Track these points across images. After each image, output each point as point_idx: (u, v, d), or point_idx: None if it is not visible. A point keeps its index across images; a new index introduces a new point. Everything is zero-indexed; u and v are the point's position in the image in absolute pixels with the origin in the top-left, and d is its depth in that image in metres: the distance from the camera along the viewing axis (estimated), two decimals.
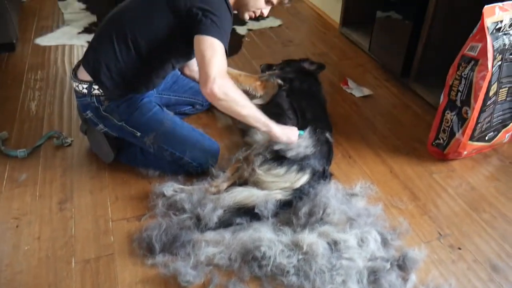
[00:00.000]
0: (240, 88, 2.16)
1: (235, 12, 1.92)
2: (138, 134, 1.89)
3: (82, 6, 3.94)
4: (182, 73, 2.31)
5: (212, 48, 1.62)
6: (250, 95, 2.24)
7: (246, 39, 3.43)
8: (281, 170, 1.84)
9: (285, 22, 3.76)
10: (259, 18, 3.74)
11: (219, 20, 1.67)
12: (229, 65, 2.48)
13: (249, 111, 1.75)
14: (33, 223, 1.78)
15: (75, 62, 1.96)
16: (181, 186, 1.87)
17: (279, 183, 1.84)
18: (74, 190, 1.94)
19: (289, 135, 1.86)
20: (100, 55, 1.81)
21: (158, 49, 1.80)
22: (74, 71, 1.89)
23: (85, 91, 1.84)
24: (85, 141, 2.18)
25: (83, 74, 1.84)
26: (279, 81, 2.24)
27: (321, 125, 2.08)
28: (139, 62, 1.81)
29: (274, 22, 3.74)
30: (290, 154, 1.84)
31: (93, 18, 3.60)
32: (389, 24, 2.87)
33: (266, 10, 1.96)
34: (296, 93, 2.23)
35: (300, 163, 1.85)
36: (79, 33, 3.40)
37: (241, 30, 3.55)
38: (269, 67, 2.58)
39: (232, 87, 1.67)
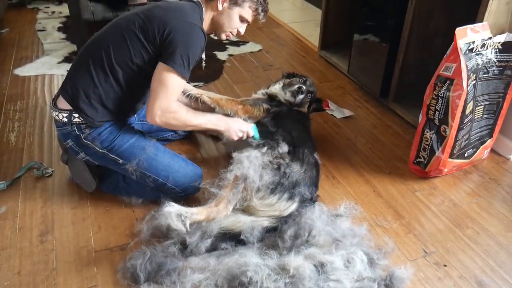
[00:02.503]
0: (221, 112, 2.19)
1: (212, 34, 1.95)
2: (120, 161, 1.87)
3: (62, 35, 3.95)
4: None
5: (164, 83, 1.74)
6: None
7: (227, 64, 3.47)
8: (273, 199, 1.82)
9: (265, 46, 3.82)
10: (239, 43, 3.81)
11: (190, 50, 1.74)
12: (210, 90, 2.52)
13: (193, 127, 1.94)
14: (13, 257, 1.73)
15: (55, 91, 1.95)
16: (187, 210, 1.70)
17: (269, 212, 1.83)
18: (56, 222, 1.90)
19: (230, 126, 2.00)
20: (78, 82, 1.80)
21: (135, 74, 1.81)
22: (54, 101, 1.88)
23: (65, 120, 1.83)
24: (66, 171, 2.15)
25: (63, 103, 1.83)
26: (266, 106, 2.25)
27: (307, 146, 2.08)
28: (118, 88, 1.82)
29: (254, 47, 3.80)
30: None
31: (73, 48, 3.60)
32: (366, 46, 2.95)
33: (242, 29, 2.01)
34: (283, 117, 2.23)
35: (291, 191, 1.84)
36: (59, 62, 3.39)
37: (222, 55, 3.59)
38: (290, 75, 2.51)
39: (173, 117, 1.80)
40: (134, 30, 1.77)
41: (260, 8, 1.95)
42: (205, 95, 2.25)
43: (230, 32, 1.99)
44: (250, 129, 2.06)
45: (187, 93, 2.22)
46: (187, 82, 1.92)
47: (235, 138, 2.02)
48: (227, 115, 2.20)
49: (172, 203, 1.67)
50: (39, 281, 1.63)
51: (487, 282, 1.69)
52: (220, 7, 1.90)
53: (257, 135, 2.06)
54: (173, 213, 1.63)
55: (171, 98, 1.77)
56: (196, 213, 1.71)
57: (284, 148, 1.95)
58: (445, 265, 1.75)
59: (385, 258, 1.74)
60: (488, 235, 1.91)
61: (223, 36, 2.00)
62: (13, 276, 1.65)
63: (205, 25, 1.91)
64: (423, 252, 1.81)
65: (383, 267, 1.69)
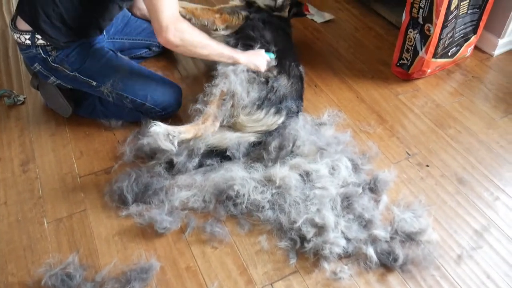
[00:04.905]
0: (197, 22, 2.06)
1: None
2: (94, 83, 1.79)
3: None
4: (132, 13, 2.17)
5: None
6: (210, 29, 2.12)
7: None
8: (260, 114, 1.78)
9: None
10: None
11: None
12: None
13: (210, 49, 1.73)
14: None
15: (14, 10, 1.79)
16: (174, 129, 1.64)
17: (256, 127, 1.80)
18: (35, 150, 1.86)
19: (256, 62, 1.82)
20: (36, 0, 1.65)
21: None
22: (13, 21, 1.74)
23: (28, 42, 1.70)
24: (39, 97, 2.06)
25: (23, 24, 1.69)
26: (244, 13, 2.12)
27: (292, 57, 2.01)
28: (79, 4, 1.67)
29: None
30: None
31: None
32: None
33: None
34: (264, 23, 2.12)
35: (278, 105, 1.80)
36: None
37: None
38: None
39: (187, 30, 1.63)
40: None
41: None
42: (180, 5, 2.10)
43: None
44: (265, 54, 1.90)
45: None
46: None
47: (263, 70, 1.85)
48: (204, 25, 2.09)
49: (159, 123, 1.62)
50: (27, 209, 1.63)
51: (467, 178, 1.74)
52: None
53: (271, 55, 1.93)
54: (160, 133, 1.59)
55: (174, 5, 1.59)
56: (184, 131, 1.67)
57: (273, 60, 1.89)
58: (427, 165, 1.79)
59: (369, 162, 1.77)
60: (469, 133, 1.93)
61: None
62: (0, 206, 1.64)
63: None
64: (406, 154, 1.84)
65: (367, 171, 1.72)
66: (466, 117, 2.01)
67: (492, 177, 1.74)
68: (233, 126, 1.80)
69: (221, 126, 1.79)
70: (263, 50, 1.91)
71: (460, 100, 2.10)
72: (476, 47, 2.36)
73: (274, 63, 1.89)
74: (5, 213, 1.62)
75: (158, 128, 1.60)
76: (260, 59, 1.85)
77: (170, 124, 1.67)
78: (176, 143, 1.62)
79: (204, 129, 1.71)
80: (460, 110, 2.05)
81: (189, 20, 2.08)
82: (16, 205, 1.65)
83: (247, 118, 1.78)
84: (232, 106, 1.75)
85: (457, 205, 1.65)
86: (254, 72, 1.82)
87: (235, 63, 1.79)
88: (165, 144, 1.60)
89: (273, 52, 1.93)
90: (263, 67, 1.83)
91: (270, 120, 1.80)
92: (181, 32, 1.60)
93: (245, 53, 1.85)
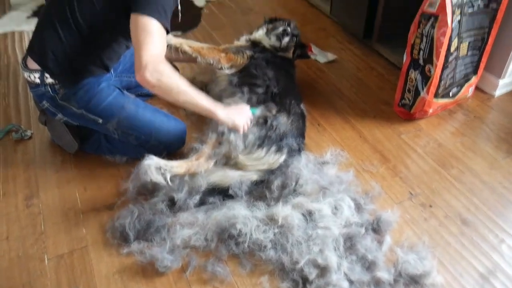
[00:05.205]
0: (203, 61, 2.11)
1: None
2: (100, 121, 1.82)
3: None
4: None
5: (146, 30, 1.52)
6: (216, 67, 2.17)
7: (205, 11, 3.32)
8: (261, 153, 1.79)
9: None
10: None
11: None
12: (189, 38, 2.41)
13: (187, 97, 1.63)
14: (0, 223, 1.72)
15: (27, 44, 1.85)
16: (166, 163, 1.68)
17: (258, 165, 1.81)
18: (40, 185, 1.87)
19: (236, 120, 1.74)
20: (45, 42, 1.70)
21: (103, 29, 1.70)
22: (24, 60, 1.79)
23: (37, 80, 1.75)
24: (46, 133, 2.09)
25: (33, 63, 1.74)
26: (249, 53, 2.18)
27: (293, 96, 2.05)
28: (86, 45, 1.71)
29: None
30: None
31: (42, 0, 3.40)
32: None
33: None
34: (268, 63, 2.17)
35: (279, 143, 1.82)
36: (28, 17, 3.19)
37: (199, 1, 3.43)
38: (273, 20, 2.37)
39: (167, 72, 1.56)
40: None
41: None
42: (186, 44, 2.15)
43: None
44: (248, 110, 1.84)
45: (167, 44, 2.09)
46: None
47: (241, 131, 1.77)
48: (210, 64, 2.14)
49: (151, 156, 1.64)
50: (28, 245, 1.63)
51: (471, 219, 1.73)
52: None
53: (255, 111, 1.87)
54: (152, 165, 1.62)
55: (159, 46, 1.54)
56: (176, 166, 1.69)
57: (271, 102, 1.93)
58: (430, 206, 1.78)
59: (372, 202, 1.76)
60: (472, 174, 1.93)
61: None
62: (2, 241, 1.64)
63: None
64: (409, 194, 1.84)
65: (370, 211, 1.72)
66: (468, 157, 2.02)
67: (496, 219, 1.73)
68: (235, 165, 1.81)
69: (223, 165, 1.80)
70: (247, 107, 1.84)
71: (462, 140, 2.11)
72: (477, 88, 2.39)
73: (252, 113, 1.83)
74: (6, 249, 1.62)
75: (150, 161, 1.62)
76: (240, 118, 1.76)
77: (167, 158, 1.70)
78: (168, 177, 1.64)
79: (197, 165, 1.73)
80: (463, 150, 2.05)
81: (195, 58, 2.14)
82: (18, 241, 1.64)
83: (247, 157, 1.80)
84: (228, 151, 1.78)
85: (462, 247, 1.63)
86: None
87: (211, 117, 1.72)
88: (156, 177, 1.62)
89: (256, 108, 1.87)
90: (241, 128, 1.75)
91: (271, 158, 1.81)
92: (159, 73, 1.53)
93: (226, 108, 1.75)
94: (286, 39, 2.21)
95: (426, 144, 2.09)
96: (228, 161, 1.80)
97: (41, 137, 2.11)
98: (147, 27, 1.53)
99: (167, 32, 1.61)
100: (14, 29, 3.07)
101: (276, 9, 3.34)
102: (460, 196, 1.83)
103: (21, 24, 3.12)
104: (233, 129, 1.76)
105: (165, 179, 1.63)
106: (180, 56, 2.15)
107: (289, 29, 2.22)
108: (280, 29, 2.21)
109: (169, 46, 2.13)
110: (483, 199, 1.81)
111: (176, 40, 2.17)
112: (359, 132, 2.16)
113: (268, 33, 2.24)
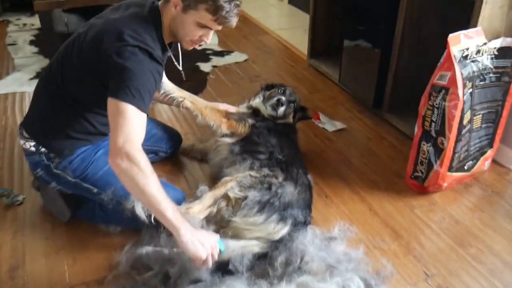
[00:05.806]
0: (203, 122, 2.07)
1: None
2: (95, 190, 1.74)
3: (34, 49, 3.77)
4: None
5: (123, 115, 1.44)
6: (215, 132, 2.13)
7: (211, 76, 3.35)
8: (259, 219, 1.72)
9: (251, 56, 3.70)
10: (223, 53, 3.69)
11: (136, 78, 1.46)
12: None
13: (151, 200, 1.45)
14: None
15: (27, 110, 1.82)
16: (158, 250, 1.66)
17: (255, 231, 1.72)
18: (27, 255, 1.76)
19: (198, 248, 1.48)
20: (39, 116, 1.72)
21: (91, 100, 1.67)
22: (21, 127, 1.77)
23: (32, 149, 1.72)
24: (38, 198, 2.01)
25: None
26: (251, 121, 2.13)
27: (299, 164, 1.98)
28: (79, 119, 1.70)
29: (240, 56, 3.67)
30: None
31: (46, 62, 3.40)
32: (358, 53, 2.84)
33: (206, 36, 1.67)
34: (269, 132, 2.12)
35: (282, 212, 1.73)
36: (31, 79, 3.21)
37: (205, 67, 3.46)
38: (269, 86, 2.35)
39: (141, 165, 1.42)
40: (71, 58, 1.61)
41: (222, 12, 1.54)
42: (189, 99, 2.07)
43: (191, 40, 1.66)
44: (217, 243, 1.58)
45: (169, 95, 2.03)
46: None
47: (197, 260, 1.51)
48: (210, 126, 2.08)
49: None
50: None
51: None
52: (173, 11, 1.59)
53: (223, 248, 1.60)
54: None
55: (136, 132, 1.44)
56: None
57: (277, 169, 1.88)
58: None
59: (383, 283, 1.63)
60: (492, 253, 1.80)
61: (186, 46, 1.71)
62: None
63: (165, 33, 1.67)
64: (424, 274, 1.70)
65: None
66: (488, 234, 1.88)
67: None
68: (232, 233, 1.73)
69: (222, 235, 1.70)
70: (217, 238, 1.59)
71: (480, 216, 1.99)
72: (494, 161, 2.30)
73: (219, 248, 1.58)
74: None
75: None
76: (203, 249, 1.50)
77: None
78: (152, 218, 1.59)
79: (185, 212, 1.68)
80: (481, 227, 1.92)
81: (195, 117, 2.08)
82: None
83: (243, 220, 1.72)
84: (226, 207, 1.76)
85: None
86: (256, 177, 1.79)
87: (172, 233, 1.50)
88: (140, 212, 1.60)
89: (224, 244, 1.63)
90: (199, 259, 1.50)
91: (271, 227, 1.72)
92: (131, 162, 1.40)
93: (194, 230, 1.52)
94: (281, 109, 2.16)
95: (441, 220, 1.96)
96: (223, 222, 1.75)
97: (33, 202, 2.02)
98: (123, 112, 1.44)
99: (147, 115, 1.51)
100: (16, 90, 3.08)
101: (284, 77, 3.35)
102: (480, 277, 1.69)
103: (23, 85, 3.13)
104: (192, 261, 1.53)
105: (149, 218, 1.60)
106: (173, 104, 2.06)
107: (283, 98, 2.16)
108: (275, 99, 2.16)
109: (171, 98, 2.04)
110: (505, 282, 1.67)
111: (180, 93, 2.07)
112: (369, 205, 2.05)
113: (264, 102, 2.21)
